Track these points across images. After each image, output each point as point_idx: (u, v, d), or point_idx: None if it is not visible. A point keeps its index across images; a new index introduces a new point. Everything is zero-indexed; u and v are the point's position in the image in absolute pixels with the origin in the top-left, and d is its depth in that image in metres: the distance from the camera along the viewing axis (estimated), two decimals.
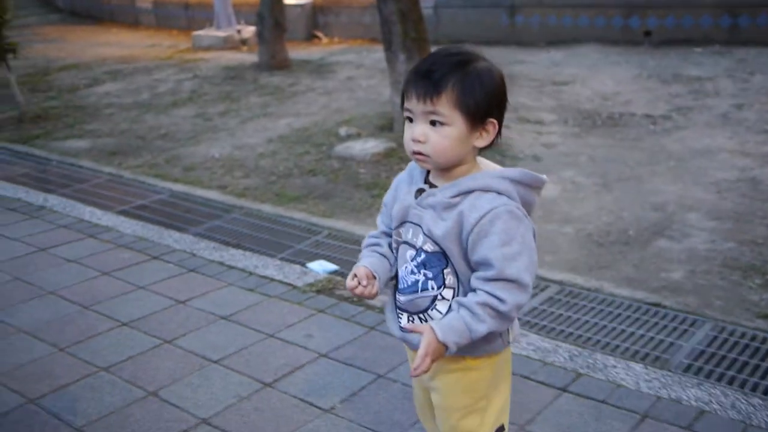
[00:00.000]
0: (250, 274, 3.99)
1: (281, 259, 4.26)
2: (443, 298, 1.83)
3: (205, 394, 2.91)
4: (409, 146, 1.77)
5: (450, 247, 1.76)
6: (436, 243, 1.78)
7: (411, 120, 1.76)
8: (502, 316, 1.70)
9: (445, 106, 1.70)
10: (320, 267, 4.15)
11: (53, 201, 5.24)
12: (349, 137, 6.63)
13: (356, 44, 11.88)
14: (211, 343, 3.28)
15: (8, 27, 7.87)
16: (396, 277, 1.93)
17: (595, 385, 2.90)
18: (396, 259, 1.92)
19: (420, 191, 1.84)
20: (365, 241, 2.00)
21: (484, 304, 1.69)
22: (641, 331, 3.37)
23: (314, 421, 2.73)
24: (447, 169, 1.80)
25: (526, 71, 8.96)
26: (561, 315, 3.57)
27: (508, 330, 1.89)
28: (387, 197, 1.97)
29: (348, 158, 6.15)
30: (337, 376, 3.00)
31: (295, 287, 3.81)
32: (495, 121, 1.76)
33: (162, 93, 9.14)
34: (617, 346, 3.25)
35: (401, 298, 1.90)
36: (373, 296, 1.87)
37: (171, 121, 7.89)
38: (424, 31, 6.39)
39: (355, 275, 1.86)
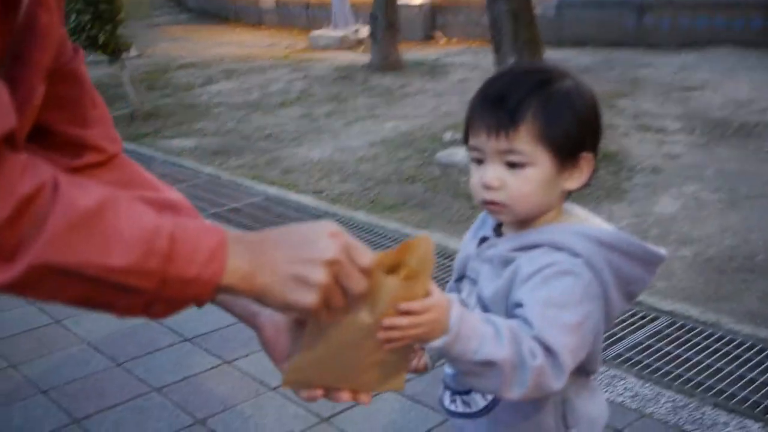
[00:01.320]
0: None
1: None
2: None
3: (254, 427, 2.65)
4: (479, 194, 1.33)
5: (496, 314, 1.30)
6: (483, 309, 1.36)
7: (480, 161, 1.33)
8: (520, 370, 1.19)
9: (526, 142, 1.28)
10: None
11: None
12: (453, 143, 6.29)
13: (474, 45, 11.50)
14: (271, 367, 3.01)
15: (124, 25, 7.93)
16: None
17: None
18: None
19: (483, 240, 1.43)
20: None
21: (513, 337, 1.19)
22: (764, 378, 2.90)
23: None
24: (527, 220, 1.37)
25: (653, 75, 8.36)
26: (669, 353, 3.13)
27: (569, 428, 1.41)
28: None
29: (450, 165, 5.81)
30: (402, 415, 2.69)
31: None
32: (590, 156, 1.34)
33: (272, 93, 9.06)
34: (733, 396, 2.79)
35: (447, 370, 1.50)
36: (420, 371, 1.48)
37: (277, 121, 7.76)
38: (536, 33, 6.00)
39: None
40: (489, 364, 1.17)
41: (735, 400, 2.77)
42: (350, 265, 0.99)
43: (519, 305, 1.26)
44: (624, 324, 3.37)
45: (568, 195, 1.38)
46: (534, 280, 1.26)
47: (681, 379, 2.93)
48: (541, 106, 1.28)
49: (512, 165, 1.29)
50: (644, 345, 3.20)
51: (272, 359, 1.22)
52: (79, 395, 2.89)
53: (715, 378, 2.92)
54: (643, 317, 3.44)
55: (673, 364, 3.04)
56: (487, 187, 1.30)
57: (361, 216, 4.92)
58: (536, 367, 1.18)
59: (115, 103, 8.22)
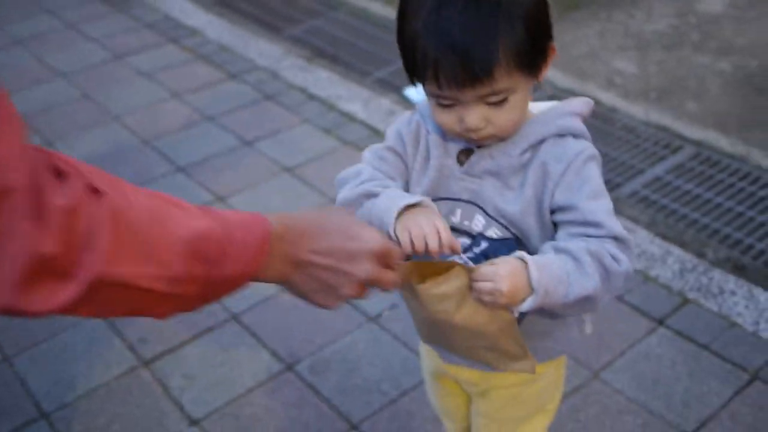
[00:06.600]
0: (332, 108, 3.50)
1: (376, 81, 3.74)
2: None
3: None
4: (455, 131, 1.19)
5: (528, 227, 1.23)
6: (506, 226, 1.24)
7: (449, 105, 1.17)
8: (610, 280, 1.14)
9: (504, 79, 1.13)
10: (419, 95, 3.59)
11: None
12: None
13: None
14: (263, 206, 2.91)
15: None
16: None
17: (702, 319, 2.34)
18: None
19: (465, 153, 1.26)
20: (360, 185, 1.28)
21: (595, 255, 1.13)
22: None
23: (354, 331, 2.38)
24: None
25: None
26: (688, 192, 2.94)
27: (584, 319, 1.39)
28: (392, 139, 1.34)
29: None
30: None
31: (377, 132, 3.32)
32: (554, 45, 1.21)
33: None
34: (749, 248, 2.63)
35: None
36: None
37: None
38: None
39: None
40: (583, 299, 1.14)
41: (748, 254, 2.61)
42: (384, 275, 1.05)
43: (564, 208, 1.20)
44: (645, 154, 3.15)
45: None
46: (568, 178, 1.20)
47: (694, 227, 2.76)
48: (507, 38, 1.11)
49: (493, 103, 1.16)
50: (663, 182, 3.01)
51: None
52: None
53: (732, 226, 2.75)
54: (666, 146, 3.21)
55: (689, 206, 2.87)
56: (473, 131, 1.18)
57: (376, 7, 4.56)
58: (623, 272, 1.16)
59: None
